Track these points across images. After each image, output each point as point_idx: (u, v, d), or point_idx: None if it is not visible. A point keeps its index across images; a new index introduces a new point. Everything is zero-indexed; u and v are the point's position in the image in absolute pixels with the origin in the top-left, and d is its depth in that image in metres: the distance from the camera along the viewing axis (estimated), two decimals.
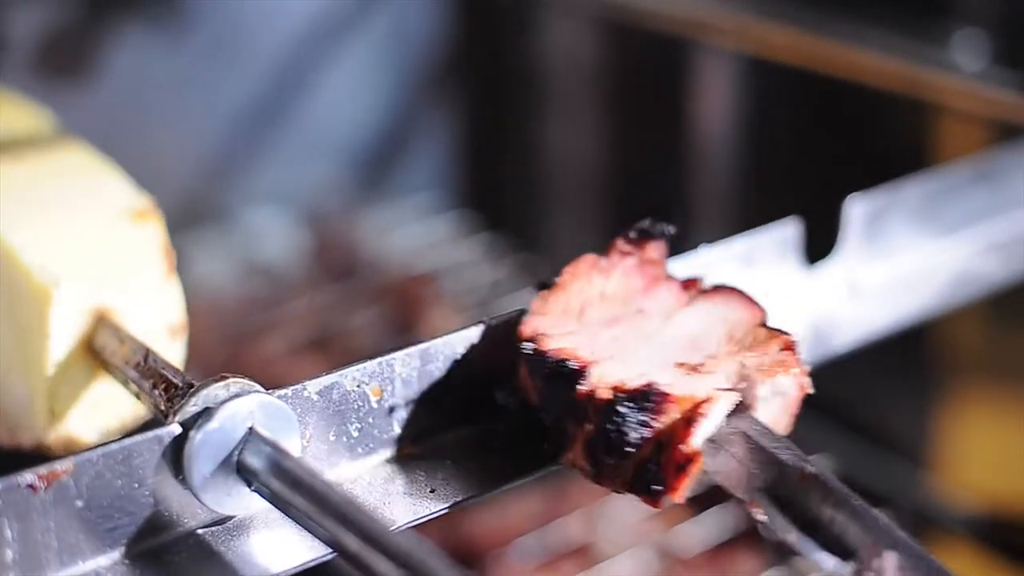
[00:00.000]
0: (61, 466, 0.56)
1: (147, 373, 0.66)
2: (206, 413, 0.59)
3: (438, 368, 0.67)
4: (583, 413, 0.63)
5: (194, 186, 1.64)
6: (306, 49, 1.65)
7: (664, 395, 0.62)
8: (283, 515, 0.60)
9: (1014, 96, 1.16)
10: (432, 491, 0.65)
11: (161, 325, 0.74)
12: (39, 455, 0.68)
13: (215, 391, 0.60)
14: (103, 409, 0.73)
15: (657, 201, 1.64)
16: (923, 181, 0.89)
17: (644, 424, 0.62)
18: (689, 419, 0.62)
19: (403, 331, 1.49)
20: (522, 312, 0.68)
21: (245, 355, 1.43)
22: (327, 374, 0.64)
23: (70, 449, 0.71)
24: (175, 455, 0.59)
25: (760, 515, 0.62)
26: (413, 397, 0.67)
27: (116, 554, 0.59)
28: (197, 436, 0.59)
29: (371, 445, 0.66)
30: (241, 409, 0.60)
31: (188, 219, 1.61)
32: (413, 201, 1.74)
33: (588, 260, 0.70)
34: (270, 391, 0.62)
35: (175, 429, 0.59)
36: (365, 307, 1.55)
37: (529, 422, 0.67)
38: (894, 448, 1.44)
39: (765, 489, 0.61)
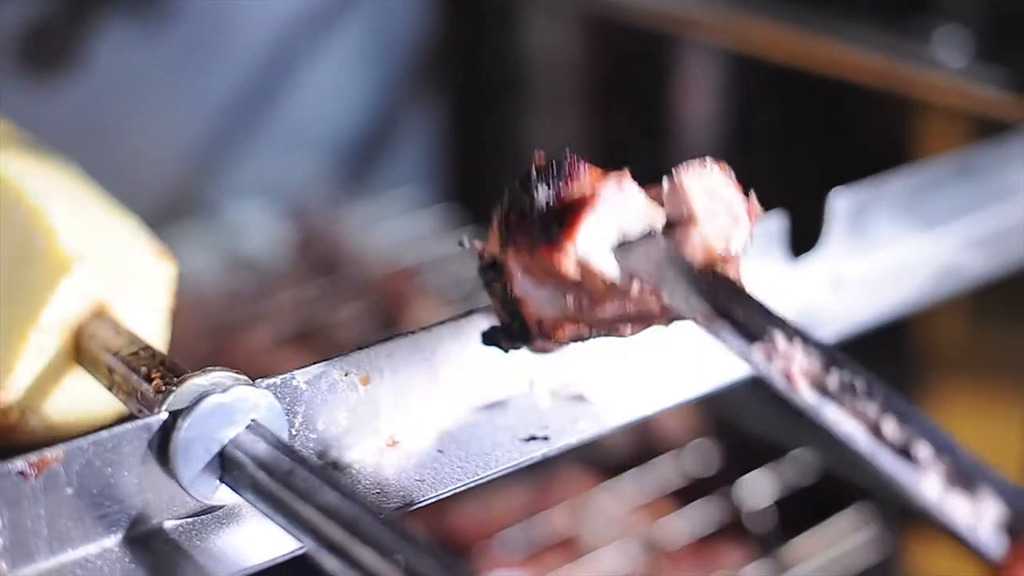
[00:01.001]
0: (51, 453, 0.56)
1: (135, 364, 0.66)
2: (193, 404, 0.60)
3: (426, 358, 0.68)
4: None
5: (178, 180, 1.64)
6: (290, 42, 1.65)
7: (579, 163, 0.63)
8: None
9: (996, 92, 1.17)
10: (420, 480, 0.65)
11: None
12: (27, 445, 0.68)
13: (202, 382, 0.61)
14: (69, 396, 0.73)
15: None
16: (906, 176, 0.90)
17: (554, 185, 0.62)
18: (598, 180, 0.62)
19: (387, 325, 1.49)
20: None
21: (229, 348, 1.43)
22: (315, 363, 0.64)
23: (25, 425, 0.71)
24: (163, 445, 0.59)
25: (664, 298, 0.62)
26: (401, 386, 0.67)
27: (105, 542, 0.59)
28: (184, 426, 0.59)
29: (359, 434, 0.66)
30: (228, 400, 0.60)
31: (172, 213, 1.61)
32: (397, 195, 1.74)
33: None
34: (258, 380, 0.62)
35: (163, 418, 0.59)
36: (349, 301, 1.56)
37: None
38: None
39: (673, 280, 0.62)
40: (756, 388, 0.65)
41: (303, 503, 0.57)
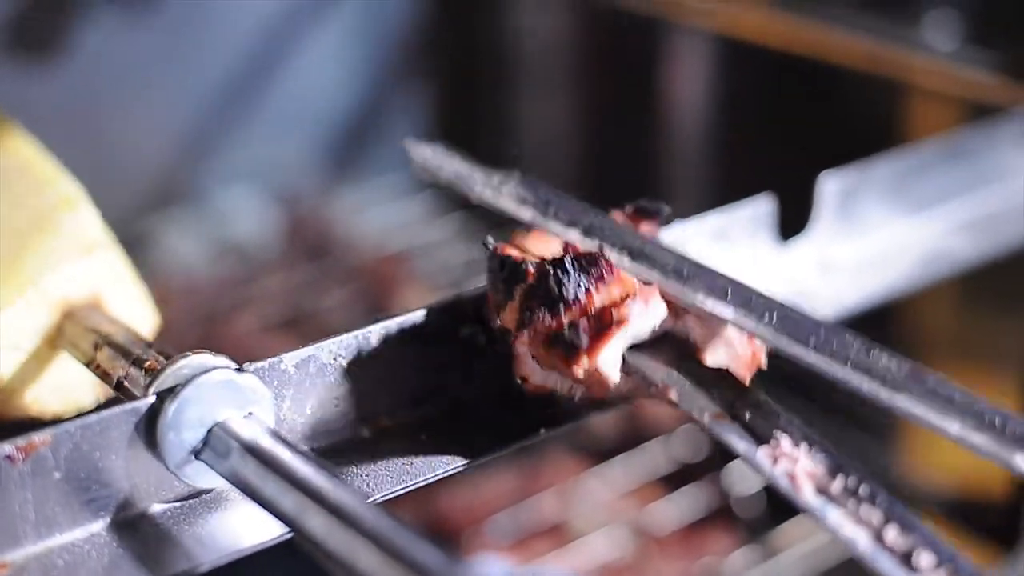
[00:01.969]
0: (39, 437, 0.56)
1: (123, 348, 0.66)
2: (180, 386, 0.59)
3: (414, 342, 0.67)
4: (525, 273, 0.65)
5: (167, 166, 1.64)
6: (278, 28, 1.65)
7: (611, 265, 0.64)
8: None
9: (985, 76, 1.17)
10: (409, 464, 0.65)
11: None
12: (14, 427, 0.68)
13: (190, 365, 0.61)
14: (52, 377, 0.73)
15: (631, 179, 1.64)
16: (895, 159, 0.90)
17: (585, 284, 0.63)
18: (626, 295, 0.63)
19: (376, 310, 1.49)
20: None
21: (218, 334, 1.43)
22: (304, 347, 0.64)
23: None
24: (150, 428, 0.59)
25: (672, 396, 0.63)
26: (390, 371, 0.67)
27: (93, 526, 0.59)
28: (171, 409, 0.59)
29: (349, 419, 0.66)
30: (215, 383, 0.60)
31: (161, 199, 1.61)
32: (386, 181, 1.74)
33: None
34: (246, 364, 0.62)
35: (150, 401, 0.59)
36: (338, 287, 1.55)
37: (503, 395, 0.68)
38: (867, 428, 1.44)
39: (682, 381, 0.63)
40: None
41: (287, 488, 0.57)
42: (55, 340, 0.70)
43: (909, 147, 0.94)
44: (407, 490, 0.65)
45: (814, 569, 1.30)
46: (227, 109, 1.64)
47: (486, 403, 0.69)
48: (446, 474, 0.66)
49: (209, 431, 0.60)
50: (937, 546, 0.53)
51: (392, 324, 0.67)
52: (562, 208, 0.71)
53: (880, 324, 1.34)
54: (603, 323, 0.62)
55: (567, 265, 0.63)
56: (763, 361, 0.66)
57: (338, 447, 0.66)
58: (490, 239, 0.68)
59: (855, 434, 1.42)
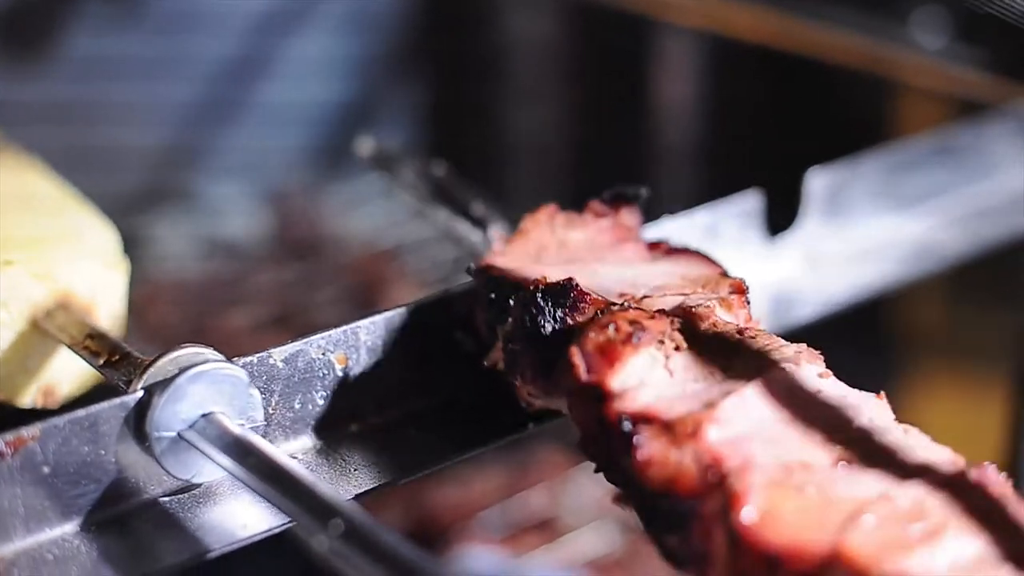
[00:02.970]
0: (28, 432, 0.56)
1: (111, 341, 0.66)
2: (169, 380, 0.59)
3: (402, 337, 0.68)
4: (508, 310, 0.64)
5: (157, 164, 1.63)
6: (269, 26, 1.65)
7: (582, 293, 0.63)
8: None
9: (973, 73, 1.17)
10: (398, 459, 0.66)
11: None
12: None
13: (177, 359, 0.61)
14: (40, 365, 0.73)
15: (622, 177, 1.64)
16: (883, 156, 0.90)
17: (559, 316, 0.63)
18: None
19: (366, 307, 1.49)
20: None
21: (208, 331, 1.42)
22: (292, 342, 0.64)
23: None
24: (139, 422, 0.59)
25: None
26: (378, 366, 0.67)
27: (82, 521, 0.59)
28: (160, 403, 0.59)
29: (337, 413, 0.66)
30: (204, 376, 0.60)
31: (151, 197, 1.61)
32: (375, 178, 1.74)
33: (548, 210, 0.72)
34: (235, 358, 0.62)
35: (139, 396, 0.59)
36: (328, 284, 1.55)
37: (491, 390, 0.68)
38: None
39: None
40: None
41: (265, 486, 0.58)
42: (42, 321, 0.70)
43: (897, 144, 0.95)
44: (396, 485, 0.65)
45: None
46: (217, 107, 1.63)
47: (474, 398, 0.70)
48: (435, 470, 0.66)
49: (195, 424, 0.60)
50: None
51: (380, 320, 0.67)
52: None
53: (869, 319, 1.35)
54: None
55: (539, 300, 0.63)
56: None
57: (327, 442, 0.66)
58: (472, 265, 0.69)
59: None
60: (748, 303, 0.65)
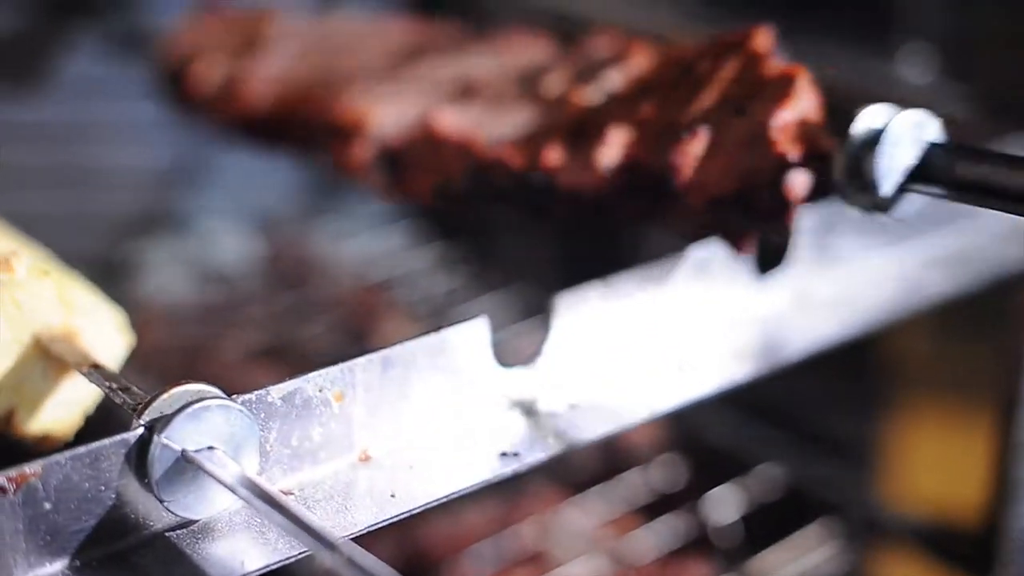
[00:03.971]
0: (30, 468, 0.57)
1: (111, 374, 0.67)
2: (170, 417, 0.60)
3: (398, 374, 0.68)
4: None
5: (149, 194, 1.64)
6: None
7: None
8: (246, 518, 0.62)
9: (960, 109, 1.18)
10: (392, 495, 0.66)
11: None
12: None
13: (179, 396, 0.61)
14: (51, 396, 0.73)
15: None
16: None
17: None
18: None
19: (357, 340, 1.49)
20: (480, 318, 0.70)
21: (201, 362, 1.43)
22: (290, 379, 0.65)
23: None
24: (140, 459, 0.60)
25: None
26: (374, 403, 0.68)
27: (83, 556, 0.59)
28: (161, 440, 0.60)
29: (333, 450, 0.67)
30: (204, 414, 0.61)
31: (143, 226, 1.61)
32: (367, 210, 1.75)
33: None
34: (233, 396, 0.63)
35: (139, 433, 0.60)
36: (319, 315, 1.56)
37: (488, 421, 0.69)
38: (843, 456, 1.45)
39: None
40: (723, 404, 0.66)
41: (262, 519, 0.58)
42: (46, 341, 0.71)
43: None
44: (390, 521, 0.66)
45: None
46: (209, 137, 1.64)
47: (469, 433, 0.71)
48: (429, 506, 0.67)
49: (197, 461, 0.60)
50: None
51: (375, 358, 0.68)
52: None
53: (857, 356, 1.36)
54: None
55: None
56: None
57: (323, 478, 0.67)
58: None
59: (829, 460, 1.43)
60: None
